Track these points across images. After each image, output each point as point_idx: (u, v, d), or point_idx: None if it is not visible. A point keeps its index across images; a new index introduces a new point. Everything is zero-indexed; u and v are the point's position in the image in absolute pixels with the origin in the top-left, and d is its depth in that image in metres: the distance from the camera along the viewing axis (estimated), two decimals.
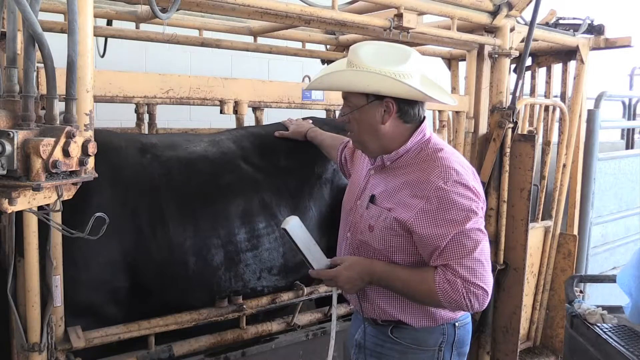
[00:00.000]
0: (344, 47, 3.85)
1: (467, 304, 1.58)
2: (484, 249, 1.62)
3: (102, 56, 2.87)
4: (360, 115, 1.71)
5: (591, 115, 4.04)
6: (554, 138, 3.74)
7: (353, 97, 1.70)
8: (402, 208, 1.65)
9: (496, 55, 3.11)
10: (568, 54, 3.71)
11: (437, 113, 3.81)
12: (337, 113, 3.19)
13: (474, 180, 1.68)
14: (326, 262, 1.77)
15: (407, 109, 1.70)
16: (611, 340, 2.35)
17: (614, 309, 2.53)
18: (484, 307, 1.62)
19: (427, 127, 1.77)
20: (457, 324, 1.78)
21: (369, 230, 1.74)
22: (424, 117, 1.77)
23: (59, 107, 1.32)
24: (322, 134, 2.36)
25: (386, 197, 1.72)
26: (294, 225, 1.72)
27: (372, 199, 1.75)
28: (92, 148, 1.29)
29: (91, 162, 1.32)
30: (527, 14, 3.05)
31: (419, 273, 1.65)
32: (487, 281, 1.60)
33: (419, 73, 1.67)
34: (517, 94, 3.15)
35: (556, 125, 3.75)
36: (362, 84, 1.65)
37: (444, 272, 1.59)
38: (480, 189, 1.68)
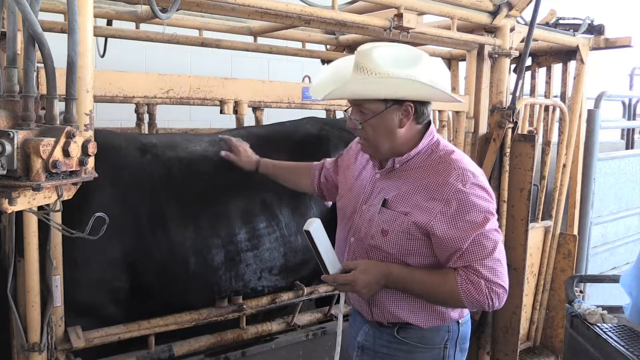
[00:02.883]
0: (344, 47, 3.85)
1: (488, 303, 1.61)
2: (501, 248, 1.66)
3: (102, 56, 2.87)
4: (377, 121, 1.68)
5: (591, 115, 4.04)
6: (554, 138, 3.74)
7: (370, 103, 1.67)
8: (419, 211, 1.65)
9: (496, 55, 3.11)
10: (568, 54, 3.71)
11: (437, 113, 3.80)
12: (337, 113, 3.19)
13: (486, 182, 1.70)
14: (339, 267, 1.73)
15: (422, 110, 1.71)
16: (611, 340, 2.35)
17: (614, 309, 2.53)
18: (502, 305, 1.66)
19: (434, 129, 1.78)
20: (460, 321, 1.81)
21: (381, 235, 1.72)
22: (430, 119, 1.78)
23: (59, 107, 1.32)
24: (279, 163, 2.23)
25: (400, 201, 1.70)
26: (316, 228, 1.68)
27: (385, 203, 1.73)
28: (92, 148, 1.29)
29: (91, 162, 1.32)
30: (527, 14, 3.05)
31: (438, 275, 1.66)
32: (506, 279, 1.64)
33: (428, 74, 1.67)
34: (517, 94, 3.15)
35: (556, 125, 3.74)
36: (386, 90, 1.62)
37: (467, 274, 1.61)
38: (492, 190, 1.70)
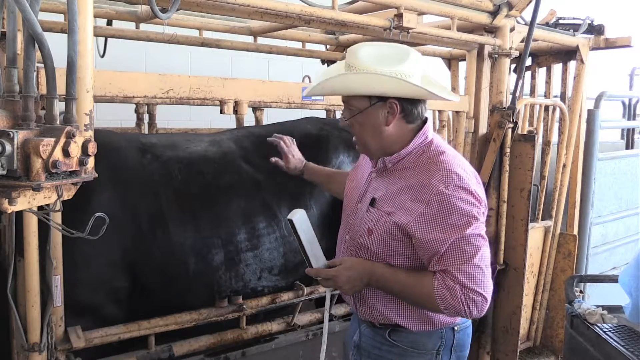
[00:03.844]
0: (344, 47, 3.84)
1: (465, 310, 1.56)
2: (484, 254, 1.60)
3: (102, 56, 2.87)
4: (363, 118, 1.67)
5: (591, 115, 4.04)
6: (554, 138, 3.74)
7: (355, 100, 1.67)
8: (402, 212, 1.63)
9: (496, 55, 3.11)
10: (568, 54, 3.71)
11: (437, 113, 3.81)
12: (337, 113, 3.19)
13: (476, 185, 1.65)
14: (324, 262, 1.74)
15: (411, 108, 1.67)
16: (611, 340, 2.35)
17: (614, 309, 2.52)
18: (483, 314, 1.60)
19: (430, 129, 1.74)
20: (456, 327, 1.76)
21: (367, 234, 1.71)
22: (426, 118, 1.75)
23: (59, 107, 1.32)
24: (322, 169, 2.25)
25: (387, 201, 1.69)
26: (300, 218, 1.68)
27: (373, 202, 1.73)
28: (92, 148, 1.29)
29: (91, 162, 1.32)
30: (527, 14, 3.05)
31: (417, 277, 1.63)
32: (486, 287, 1.58)
33: (419, 72, 1.65)
34: (517, 94, 3.15)
35: (556, 125, 3.74)
36: (366, 86, 1.62)
37: (443, 278, 1.57)
38: (482, 194, 1.65)
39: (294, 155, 2.24)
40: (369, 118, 1.67)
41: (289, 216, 1.67)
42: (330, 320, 2.51)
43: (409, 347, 1.74)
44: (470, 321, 1.83)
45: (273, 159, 2.22)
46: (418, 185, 1.63)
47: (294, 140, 2.30)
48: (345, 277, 1.66)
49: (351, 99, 1.68)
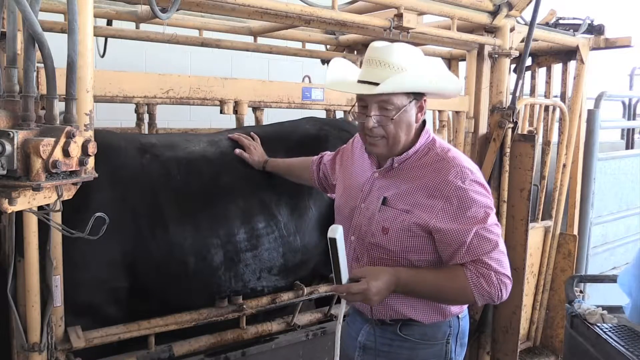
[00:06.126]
0: (344, 47, 3.85)
1: (498, 295, 1.64)
2: (502, 241, 1.71)
3: (102, 56, 2.87)
4: (401, 116, 1.69)
5: (591, 115, 4.04)
6: (554, 138, 3.74)
7: (397, 98, 1.67)
8: (420, 209, 1.68)
9: (496, 55, 3.11)
10: (568, 54, 3.71)
11: (437, 113, 3.81)
12: (337, 114, 3.19)
13: (483, 178, 1.75)
14: (347, 276, 1.66)
15: (425, 105, 1.77)
16: (611, 340, 2.35)
17: (614, 309, 2.52)
18: (508, 295, 1.69)
19: (429, 128, 1.81)
20: (460, 316, 1.83)
21: (382, 233, 1.73)
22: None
23: (59, 107, 1.32)
24: (284, 160, 2.33)
25: (400, 200, 1.72)
26: (340, 236, 1.61)
27: (385, 201, 1.75)
28: (92, 148, 1.29)
29: (91, 162, 1.32)
30: (527, 14, 3.05)
31: (447, 273, 1.68)
32: (510, 270, 1.69)
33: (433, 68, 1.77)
34: (517, 94, 3.15)
35: (556, 125, 3.75)
36: (422, 82, 1.69)
37: (476, 267, 1.63)
38: (488, 185, 1.75)
39: (256, 148, 2.35)
40: (405, 116, 1.71)
41: (331, 234, 1.59)
42: (331, 320, 2.51)
43: (420, 340, 1.78)
44: (467, 309, 1.91)
45: (237, 151, 2.32)
46: (434, 182, 1.68)
47: (257, 138, 2.42)
48: (375, 289, 1.60)
49: (392, 97, 1.67)
